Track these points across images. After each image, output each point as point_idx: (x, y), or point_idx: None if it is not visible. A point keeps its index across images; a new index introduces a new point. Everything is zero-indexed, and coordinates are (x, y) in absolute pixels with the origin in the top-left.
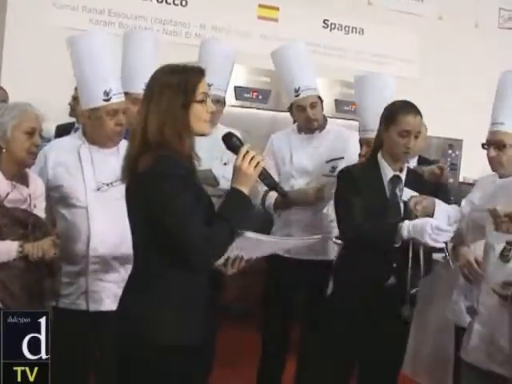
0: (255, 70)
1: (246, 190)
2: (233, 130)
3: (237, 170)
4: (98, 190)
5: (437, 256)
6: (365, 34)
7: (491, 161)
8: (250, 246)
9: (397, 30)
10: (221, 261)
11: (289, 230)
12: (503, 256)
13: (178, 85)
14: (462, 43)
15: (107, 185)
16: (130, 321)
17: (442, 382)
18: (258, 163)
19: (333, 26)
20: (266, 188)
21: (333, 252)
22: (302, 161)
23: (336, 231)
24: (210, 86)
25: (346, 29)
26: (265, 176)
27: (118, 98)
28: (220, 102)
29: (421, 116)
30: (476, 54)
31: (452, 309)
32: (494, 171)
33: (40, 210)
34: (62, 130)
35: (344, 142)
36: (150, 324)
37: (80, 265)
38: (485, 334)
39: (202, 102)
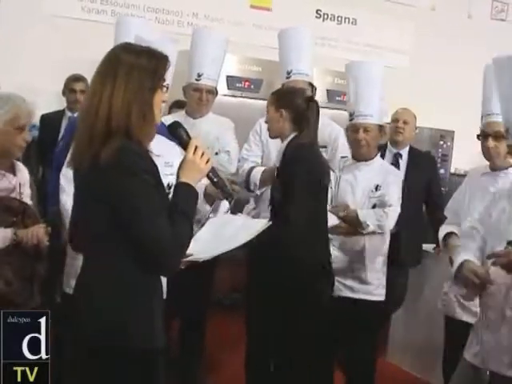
0: (247, 60)
1: (194, 185)
2: (227, 119)
3: (188, 163)
4: None
5: (427, 247)
6: (357, 24)
7: (488, 151)
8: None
9: (389, 20)
10: None
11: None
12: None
13: (148, 67)
14: (454, 34)
15: None
16: (95, 322)
17: (432, 372)
18: (208, 159)
19: (325, 16)
20: (249, 166)
21: None
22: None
23: None
24: (200, 75)
25: (339, 19)
26: (214, 173)
27: None
28: (211, 92)
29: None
30: (469, 44)
31: (442, 299)
32: (488, 161)
33: (27, 197)
34: (48, 119)
35: (329, 133)
36: (116, 326)
37: None
38: (489, 338)
39: (162, 89)
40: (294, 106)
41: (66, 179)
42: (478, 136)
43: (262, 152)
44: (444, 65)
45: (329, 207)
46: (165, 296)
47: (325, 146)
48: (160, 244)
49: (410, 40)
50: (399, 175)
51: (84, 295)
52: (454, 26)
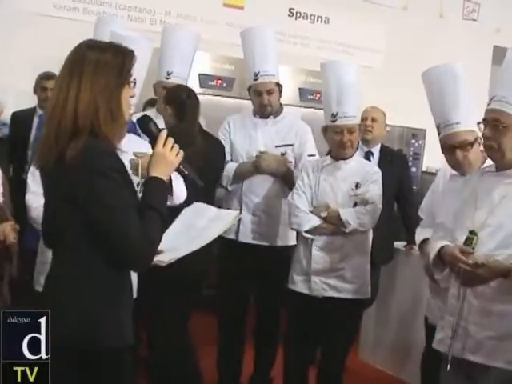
0: (219, 58)
1: (165, 179)
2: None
3: (158, 157)
4: None
5: (398, 245)
6: (330, 23)
7: (459, 163)
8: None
9: (362, 19)
10: None
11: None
12: (467, 245)
13: (114, 64)
14: (426, 34)
15: None
16: (63, 321)
17: (403, 369)
18: (179, 152)
19: (298, 15)
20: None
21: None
22: (253, 143)
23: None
24: (169, 73)
25: (312, 17)
26: (184, 166)
27: None
28: None
29: None
30: (440, 44)
31: (427, 307)
32: (462, 174)
33: None
34: (19, 118)
35: (296, 131)
36: (85, 324)
37: None
38: (454, 324)
39: (129, 84)
40: (175, 101)
41: (33, 177)
42: (443, 149)
43: (231, 149)
44: (416, 64)
45: (310, 208)
46: (135, 295)
47: (291, 145)
48: (130, 241)
49: (382, 39)
50: (379, 172)
51: (52, 293)
52: (426, 25)
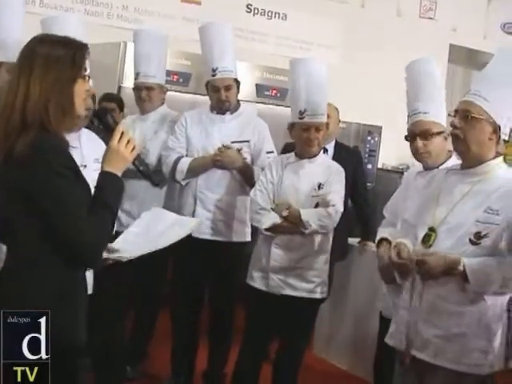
0: (176, 53)
1: (119, 174)
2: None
3: (112, 152)
4: None
5: (352, 241)
6: (288, 19)
7: (418, 152)
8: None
9: (319, 16)
10: None
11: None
12: (424, 242)
13: (65, 57)
14: (383, 31)
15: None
16: None
17: (355, 364)
18: (134, 147)
19: (256, 11)
20: (176, 156)
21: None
22: (209, 139)
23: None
24: (137, 74)
25: (269, 14)
26: (140, 162)
27: None
28: (151, 88)
29: None
30: (397, 42)
31: (381, 300)
32: (419, 161)
33: None
34: None
35: (253, 128)
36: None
37: None
38: (406, 320)
39: (84, 78)
40: None
41: None
42: (406, 137)
43: (187, 144)
44: (373, 61)
45: (272, 205)
46: (91, 291)
47: (247, 141)
48: (79, 236)
49: (339, 36)
50: (342, 173)
51: (2, 288)
52: (383, 23)
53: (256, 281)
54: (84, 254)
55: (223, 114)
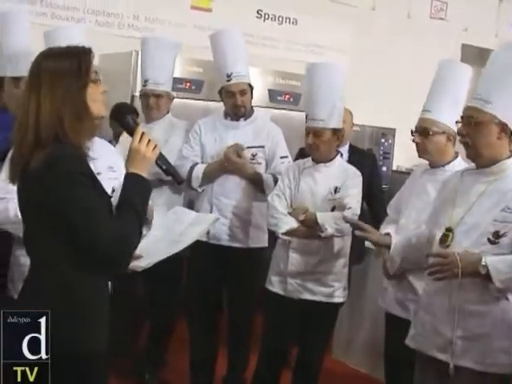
0: (188, 61)
1: (144, 175)
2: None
3: (134, 153)
4: None
5: (369, 244)
6: (298, 24)
7: (416, 147)
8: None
9: (330, 20)
10: None
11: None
12: (442, 242)
13: (71, 68)
14: (394, 33)
15: None
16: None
17: (376, 367)
18: (155, 146)
19: (266, 16)
20: (191, 163)
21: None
22: (224, 145)
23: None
24: (146, 81)
25: (280, 19)
26: (162, 161)
27: None
28: (160, 95)
29: None
30: (408, 44)
31: (383, 296)
32: (419, 157)
33: None
34: None
35: (268, 133)
36: (54, 330)
37: None
38: (427, 321)
39: (95, 81)
40: None
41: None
42: (412, 132)
43: (201, 152)
44: (385, 64)
45: (289, 210)
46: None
47: (262, 146)
48: (101, 244)
49: (350, 39)
50: (359, 177)
51: (24, 298)
52: (394, 25)
53: (274, 285)
54: (104, 260)
55: (237, 120)
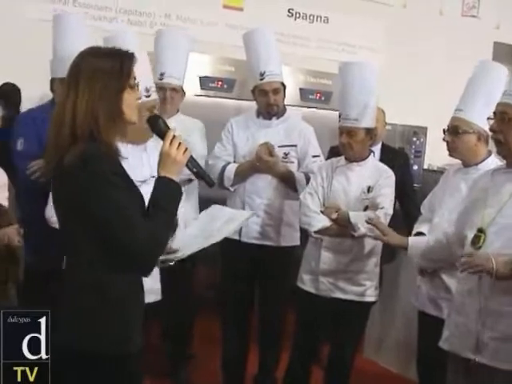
0: (220, 60)
1: (175, 178)
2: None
3: (165, 156)
4: None
5: None
6: (329, 22)
7: (446, 146)
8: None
9: (361, 18)
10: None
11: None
12: (474, 243)
13: (112, 68)
14: (426, 31)
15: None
16: (62, 328)
17: (408, 367)
18: (186, 149)
19: (297, 15)
20: (223, 164)
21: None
22: (256, 144)
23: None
24: (162, 74)
25: (311, 17)
26: (193, 164)
27: (155, 95)
28: (176, 89)
29: None
30: (440, 41)
31: (416, 294)
32: (450, 156)
33: (2, 199)
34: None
35: (299, 132)
36: (88, 329)
37: None
38: (460, 322)
39: (133, 87)
40: None
41: None
42: (444, 131)
43: (233, 151)
44: (416, 62)
45: (321, 208)
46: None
47: (294, 145)
48: (134, 244)
49: (381, 37)
50: (392, 177)
51: (62, 294)
52: (426, 22)
53: (306, 283)
54: (137, 260)
55: (270, 119)
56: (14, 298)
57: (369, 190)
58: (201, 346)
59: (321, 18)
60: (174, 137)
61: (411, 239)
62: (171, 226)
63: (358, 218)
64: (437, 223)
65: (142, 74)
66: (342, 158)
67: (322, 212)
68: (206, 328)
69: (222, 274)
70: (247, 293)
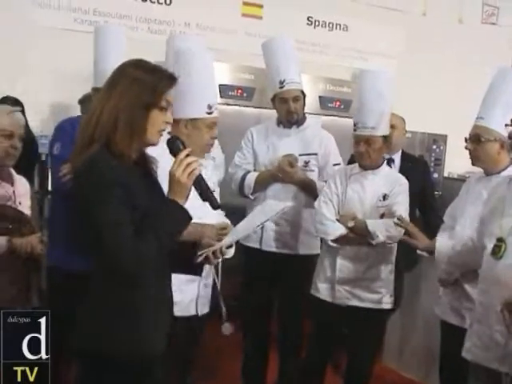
0: (239, 68)
1: (180, 200)
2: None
3: (170, 177)
4: None
5: (421, 252)
6: (349, 30)
7: (469, 154)
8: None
9: (381, 26)
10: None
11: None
12: (494, 253)
13: (148, 83)
14: (445, 39)
15: None
16: (84, 335)
17: (428, 375)
18: (192, 171)
19: (317, 23)
20: (243, 172)
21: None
22: (276, 153)
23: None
24: None
25: (330, 25)
26: (200, 186)
27: (217, 113)
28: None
29: None
30: (460, 49)
31: (438, 304)
32: (472, 165)
33: (25, 208)
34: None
35: (320, 140)
36: (103, 339)
37: None
38: (482, 332)
39: (163, 109)
40: None
41: None
42: (466, 139)
43: (253, 159)
44: (435, 69)
45: (336, 216)
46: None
47: (315, 154)
48: (118, 257)
49: (401, 45)
50: (406, 185)
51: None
52: (445, 30)
53: (321, 292)
54: (117, 270)
55: (290, 127)
56: (36, 304)
57: (384, 197)
58: (221, 355)
59: (340, 25)
60: (184, 157)
61: (439, 243)
62: (161, 247)
63: (376, 226)
64: (458, 231)
65: (205, 90)
66: (356, 165)
67: (337, 220)
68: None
69: (242, 283)
70: (267, 300)
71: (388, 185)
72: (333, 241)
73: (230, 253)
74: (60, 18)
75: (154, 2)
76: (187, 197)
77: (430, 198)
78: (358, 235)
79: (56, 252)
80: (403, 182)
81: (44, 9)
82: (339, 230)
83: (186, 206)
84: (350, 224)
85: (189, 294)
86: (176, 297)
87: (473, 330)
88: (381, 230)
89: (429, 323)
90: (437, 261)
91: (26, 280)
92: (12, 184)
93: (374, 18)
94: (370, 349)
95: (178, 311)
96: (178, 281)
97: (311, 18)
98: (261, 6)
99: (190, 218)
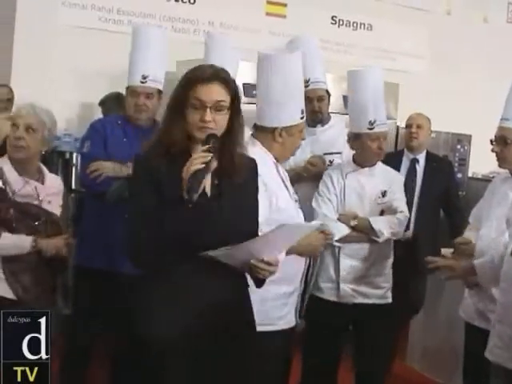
0: None
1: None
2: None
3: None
4: None
5: (445, 252)
6: (373, 29)
7: (496, 156)
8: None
9: (405, 25)
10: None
11: None
12: None
13: (185, 76)
14: (470, 38)
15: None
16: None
17: (451, 377)
18: (190, 166)
19: (341, 22)
20: None
21: None
22: (301, 152)
23: None
24: (146, 77)
25: (355, 25)
26: (193, 180)
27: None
28: (159, 93)
29: None
30: (485, 48)
31: (462, 305)
32: (499, 167)
33: (55, 207)
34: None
35: (344, 140)
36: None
37: (294, 284)
38: (504, 333)
39: (195, 108)
40: None
41: None
42: (491, 141)
43: None
44: (460, 69)
45: (336, 215)
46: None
47: (339, 153)
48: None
49: (425, 45)
50: (402, 180)
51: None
52: (470, 30)
53: (325, 292)
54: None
55: (314, 126)
56: (61, 306)
57: (384, 194)
58: None
59: (364, 25)
60: (198, 154)
61: (478, 266)
62: (158, 236)
63: (380, 224)
64: (484, 233)
65: (299, 96)
66: (351, 163)
67: (338, 219)
68: None
69: None
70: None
71: (386, 181)
72: (336, 240)
73: None
74: (84, 18)
75: (178, 1)
76: (196, 191)
77: (454, 199)
78: (361, 233)
79: (83, 251)
80: (399, 179)
81: (69, 8)
82: (342, 229)
83: (283, 206)
84: (353, 223)
85: (292, 305)
86: (282, 310)
87: (494, 331)
88: (385, 226)
89: (452, 324)
90: (482, 282)
91: (51, 281)
92: (42, 182)
93: (399, 18)
94: (383, 346)
95: (284, 324)
96: (282, 295)
97: (335, 17)
98: (285, 5)
99: (195, 216)
